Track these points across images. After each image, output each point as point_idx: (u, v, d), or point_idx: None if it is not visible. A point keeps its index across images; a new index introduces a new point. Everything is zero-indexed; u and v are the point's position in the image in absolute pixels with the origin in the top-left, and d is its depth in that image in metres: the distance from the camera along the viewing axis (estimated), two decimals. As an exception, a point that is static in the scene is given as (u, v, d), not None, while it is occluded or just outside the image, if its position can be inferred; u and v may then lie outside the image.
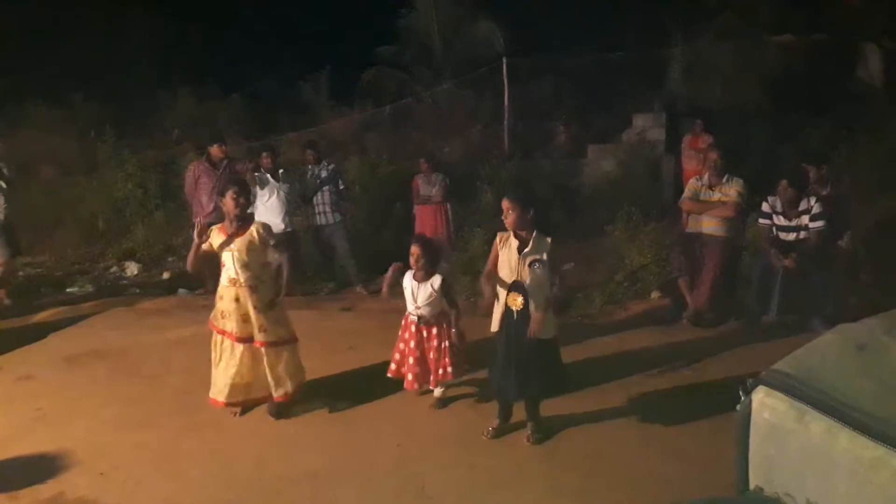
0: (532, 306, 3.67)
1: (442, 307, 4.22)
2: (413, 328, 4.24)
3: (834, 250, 5.73)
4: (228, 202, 4.16)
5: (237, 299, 4.17)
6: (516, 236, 3.72)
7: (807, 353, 1.86)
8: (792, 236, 5.62)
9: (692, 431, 3.88)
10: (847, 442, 1.54)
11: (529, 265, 3.66)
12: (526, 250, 3.68)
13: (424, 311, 4.19)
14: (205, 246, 4.22)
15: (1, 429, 4.24)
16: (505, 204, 3.69)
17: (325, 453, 3.84)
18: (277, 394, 4.25)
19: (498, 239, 3.82)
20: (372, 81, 13.66)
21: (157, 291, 7.77)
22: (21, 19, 12.87)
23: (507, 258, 3.73)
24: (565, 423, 4.03)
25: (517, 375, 3.76)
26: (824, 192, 5.79)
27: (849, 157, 8.34)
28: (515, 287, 3.71)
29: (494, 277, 3.80)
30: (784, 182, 5.57)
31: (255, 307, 4.16)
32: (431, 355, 4.21)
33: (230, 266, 4.18)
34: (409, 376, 4.26)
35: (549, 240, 3.71)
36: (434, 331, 4.21)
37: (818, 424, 1.60)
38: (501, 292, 3.78)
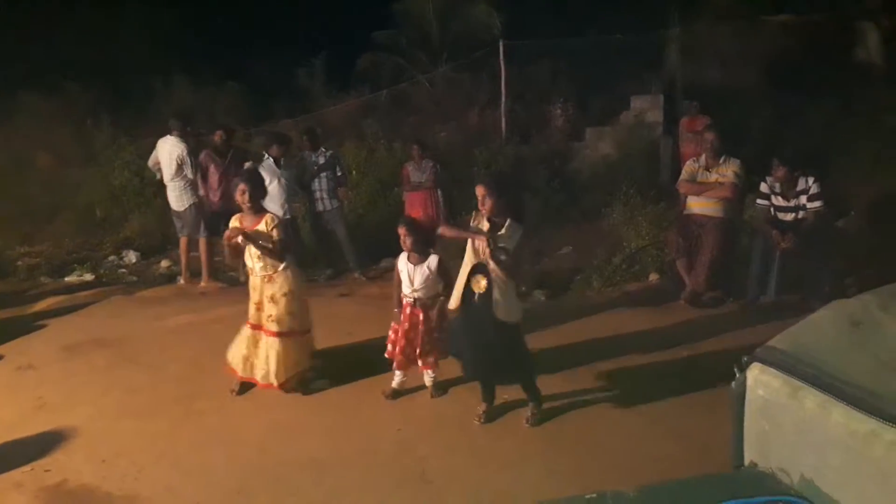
0: (497, 292, 3.61)
1: (437, 289, 4.17)
2: (409, 310, 4.20)
3: (832, 231, 5.73)
4: (238, 197, 4.28)
5: (254, 287, 4.33)
6: (489, 221, 3.68)
7: (801, 330, 1.86)
8: (790, 217, 5.62)
9: (689, 411, 3.90)
10: (841, 416, 1.55)
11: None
12: (495, 236, 3.62)
13: (421, 294, 4.15)
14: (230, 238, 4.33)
15: (3, 417, 4.26)
16: (480, 190, 3.63)
17: (326, 439, 3.86)
18: (267, 381, 4.30)
19: (473, 218, 3.76)
20: (368, 66, 13.59)
21: (156, 280, 7.78)
22: (14, 8, 12.77)
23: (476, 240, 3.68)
24: (564, 405, 4.05)
25: (484, 357, 3.74)
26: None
27: (848, 137, 8.33)
28: (480, 269, 3.65)
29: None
30: (775, 161, 5.58)
31: (270, 297, 4.27)
32: (421, 339, 4.15)
33: (246, 257, 4.32)
34: (399, 357, 4.25)
35: (520, 233, 3.64)
36: (430, 314, 4.16)
37: (812, 400, 1.61)
38: (464, 272, 3.72)
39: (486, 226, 3.67)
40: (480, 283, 3.65)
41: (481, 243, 3.60)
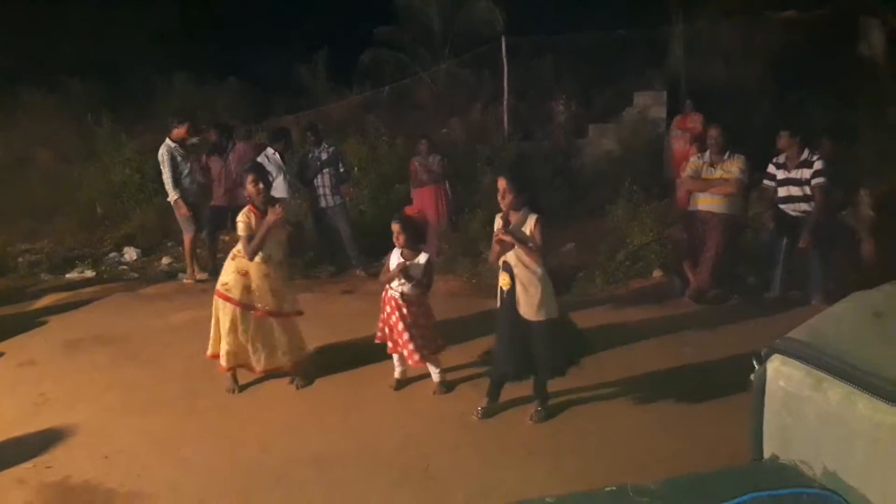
0: (519, 288, 3.63)
1: (422, 286, 4.15)
2: (393, 303, 4.17)
3: (836, 226, 5.71)
4: (249, 189, 4.31)
5: (267, 275, 4.32)
6: (507, 217, 3.68)
7: (822, 321, 1.82)
8: (794, 191, 5.61)
9: (694, 408, 3.88)
10: (866, 408, 1.51)
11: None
12: (508, 229, 3.62)
13: (406, 289, 4.14)
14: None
15: (5, 414, 4.23)
16: (501, 184, 3.65)
17: (329, 436, 3.83)
18: (294, 359, 4.40)
19: (496, 221, 3.79)
20: (370, 62, 13.53)
21: (157, 276, 7.74)
22: (15, 4, 12.71)
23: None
24: (568, 401, 4.02)
25: (512, 355, 3.75)
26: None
27: (851, 132, 8.28)
28: (504, 267, 3.69)
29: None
30: (779, 133, 5.72)
31: (283, 281, 4.40)
32: (406, 333, 4.12)
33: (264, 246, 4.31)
34: (390, 344, 4.27)
35: (534, 218, 3.63)
36: (413, 309, 4.14)
37: (836, 391, 1.57)
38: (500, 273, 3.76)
39: (501, 223, 3.69)
40: (505, 280, 3.68)
41: (501, 239, 3.61)
